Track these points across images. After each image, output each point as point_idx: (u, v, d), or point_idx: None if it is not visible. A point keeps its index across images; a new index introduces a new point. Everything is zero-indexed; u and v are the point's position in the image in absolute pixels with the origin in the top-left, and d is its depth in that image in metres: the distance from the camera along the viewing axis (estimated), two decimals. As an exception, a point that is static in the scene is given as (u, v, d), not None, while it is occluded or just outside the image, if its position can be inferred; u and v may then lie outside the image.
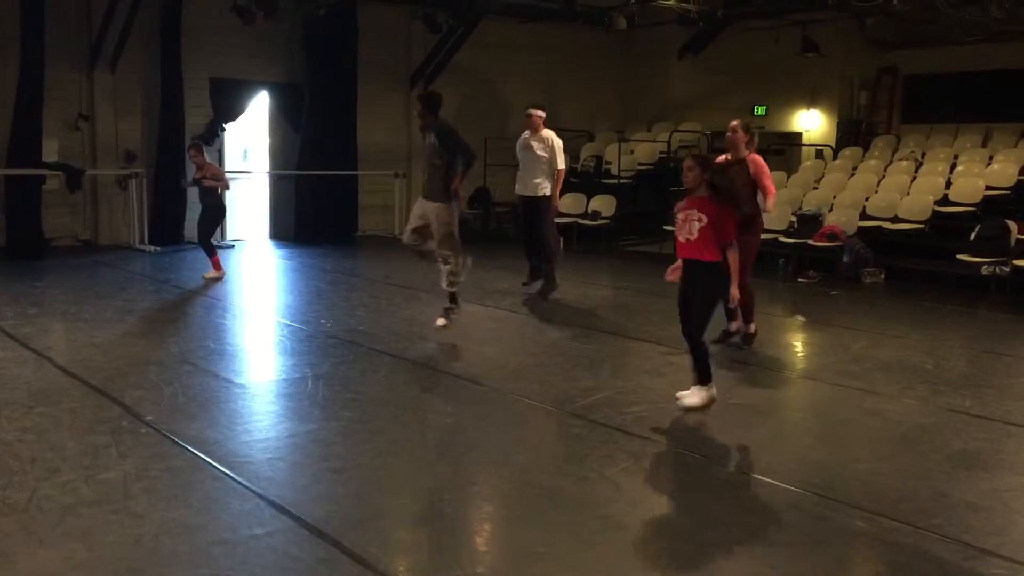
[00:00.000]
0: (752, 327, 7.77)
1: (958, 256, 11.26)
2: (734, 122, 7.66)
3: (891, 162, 14.08)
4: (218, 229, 12.50)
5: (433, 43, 15.46)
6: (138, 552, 3.77)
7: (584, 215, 15.02)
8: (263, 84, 14.58)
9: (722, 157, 7.82)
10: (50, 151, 12.72)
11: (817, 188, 13.82)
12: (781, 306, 10.21)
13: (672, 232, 6.63)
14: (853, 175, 13.88)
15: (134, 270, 11.66)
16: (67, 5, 12.82)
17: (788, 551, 4.00)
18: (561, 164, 9.97)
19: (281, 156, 15.29)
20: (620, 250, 14.57)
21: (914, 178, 13.23)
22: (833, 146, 15.78)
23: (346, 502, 4.37)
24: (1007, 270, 10.76)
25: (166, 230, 13.58)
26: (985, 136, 14.28)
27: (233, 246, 13.76)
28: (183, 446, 5.01)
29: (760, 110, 16.59)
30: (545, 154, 9.83)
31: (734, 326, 7.73)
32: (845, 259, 11.87)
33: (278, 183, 15.43)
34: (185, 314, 9.19)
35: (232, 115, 14.36)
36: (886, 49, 15.65)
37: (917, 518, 4.28)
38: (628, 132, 17.53)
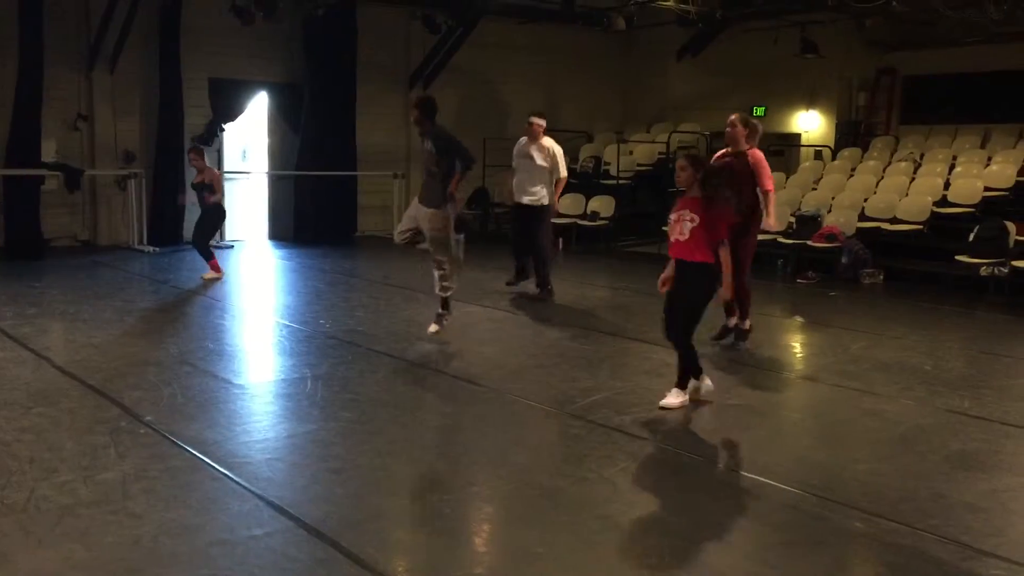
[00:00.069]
0: (747, 323, 7.78)
1: (957, 257, 11.26)
2: (733, 116, 7.59)
3: (890, 163, 14.08)
4: (217, 231, 12.48)
5: (432, 43, 15.46)
6: (137, 552, 3.77)
7: (583, 216, 15.03)
8: (262, 84, 14.59)
9: (721, 152, 7.82)
10: (49, 151, 12.72)
11: (816, 189, 13.83)
12: (780, 307, 10.22)
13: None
14: (852, 176, 13.89)
15: (133, 270, 11.65)
16: (66, 5, 12.81)
17: (786, 551, 4.00)
18: (563, 173, 9.95)
19: (280, 156, 15.29)
20: (619, 251, 14.57)
21: (913, 179, 13.24)
22: (832, 147, 15.78)
23: (345, 502, 4.37)
24: (1006, 271, 10.76)
25: (165, 230, 13.57)
26: (984, 137, 14.29)
27: (232, 246, 13.76)
28: (182, 447, 5.01)
29: (759, 111, 16.56)
30: (545, 164, 9.79)
31: (732, 322, 7.74)
32: (844, 260, 11.88)
33: (277, 183, 15.43)
34: (184, 314, 9.19)
35: (231, 115, 14.36)
36: (885, 50, 15.66)
37: (915, 519, 4.28)
38: (627, 133, 17.55)
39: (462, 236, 7.89)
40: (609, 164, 16.09)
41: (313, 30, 14.14)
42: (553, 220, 10.59)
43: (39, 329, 8.03)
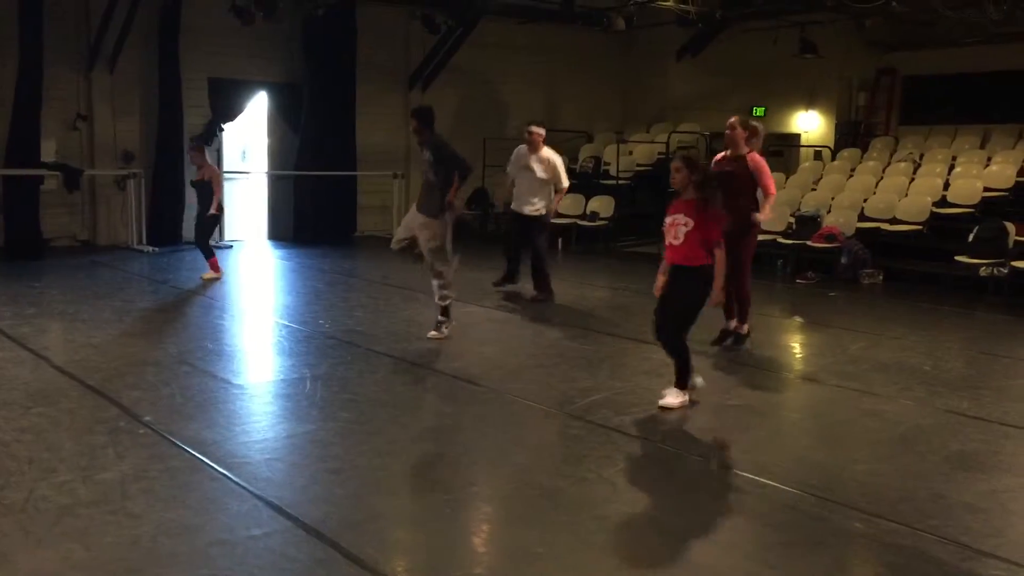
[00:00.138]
0: (745, 327, 7.77)
1: (956, 257, 11.26)
2: (732, 119, 7.57)
3: (889, 163, 14.08)
4: (216, 229, 12.47)
5: (432, 43, 15.46)
6: (136, 552, 3.77)
7: (582, 216, 15.02)
8: (262, 84, 14.58)
9: (720, 155, 7.80)
10: (48, 151, 12.72)
11: (815, 189, 13.82)
12: (779, 307, 10.22)
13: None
14: (851, 176, 13.89)
15: (132, 270, 11.65)
16: (65, 5, 12.81)
17: (786, 552, 4.00)
18: (564, 183, 9.85)
19: (280, 156, 15.28)
20: (618, 251, 14.56)
21: (912, 179, 13.24)
22: (832, 147, 15.79)
23: (344, 503, 4.37)
24: (1005, 271, 10.76)
25: (164, 230, 13.57)
26: (983, 137, 14.30)
27: (231, 246, 13.76)
28: (181, 447, 5.01)
29: (759, 111, 16.58)
30: (545, 175, 9.68)
31: (732, 324, 7.73)
32: (843, 260, 11.87)
33: (277, 183, 15.42)
34: (183, 314, 9.19)
35: (231, 115, 14.35)
36: (885, 50, 15.67)
37: (915, 519, 4.28)
38: (627, 133, 17.54)
39: (457, 257, 7.88)
40: (609, 164, 16.10)
41: (313, 30, 14.14)
42: (552, 220, 10.58)
43: (38, 329, 8.02)
